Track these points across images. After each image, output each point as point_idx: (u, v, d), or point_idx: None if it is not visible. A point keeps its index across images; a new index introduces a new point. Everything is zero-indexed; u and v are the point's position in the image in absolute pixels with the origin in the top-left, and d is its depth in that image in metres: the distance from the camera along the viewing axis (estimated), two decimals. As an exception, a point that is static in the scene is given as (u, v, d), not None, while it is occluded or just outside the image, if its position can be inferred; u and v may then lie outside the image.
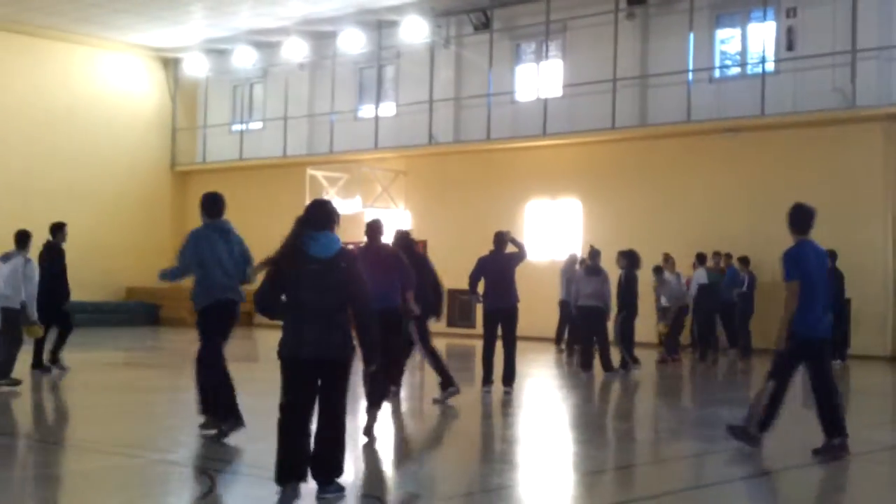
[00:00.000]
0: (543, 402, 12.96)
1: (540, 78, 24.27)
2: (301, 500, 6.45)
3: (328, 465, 6.56)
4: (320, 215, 6.82)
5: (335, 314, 6.53)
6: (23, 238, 12.75)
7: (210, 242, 8.94)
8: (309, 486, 6.53)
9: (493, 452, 9.01)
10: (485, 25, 24.66)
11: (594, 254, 15.61)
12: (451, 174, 25.25)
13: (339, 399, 6.57)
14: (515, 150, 24.18)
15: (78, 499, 6.85)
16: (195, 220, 31.23)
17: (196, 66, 29.67)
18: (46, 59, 27.47)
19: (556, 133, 23.26)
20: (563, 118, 23.28)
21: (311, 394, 6.53)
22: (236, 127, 29.82)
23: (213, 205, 9.48)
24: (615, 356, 15.59)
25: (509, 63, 24.79)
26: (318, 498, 6.48)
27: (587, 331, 15.41)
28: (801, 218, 8.71)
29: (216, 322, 8.92)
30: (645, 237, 20.48)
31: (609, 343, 15.44)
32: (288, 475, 6.48)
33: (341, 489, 6.56)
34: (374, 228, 10.26)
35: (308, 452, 6.53)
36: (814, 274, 8.51)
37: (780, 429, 8.78)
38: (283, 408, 6.55)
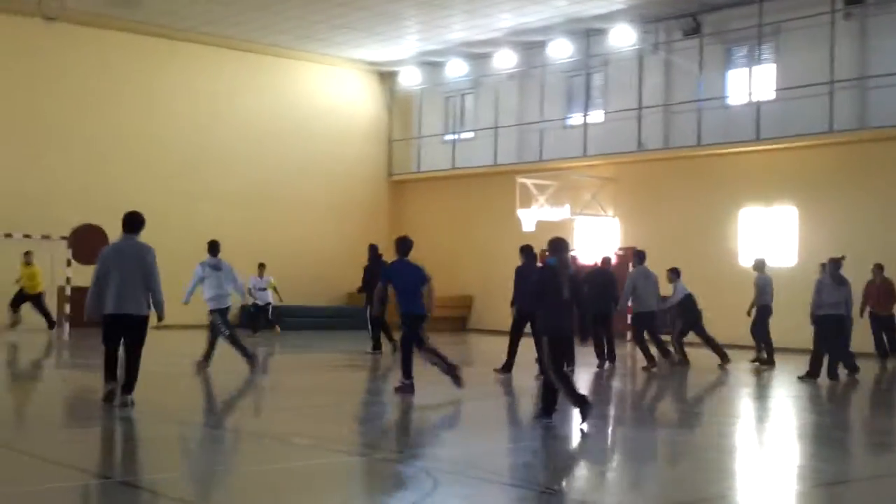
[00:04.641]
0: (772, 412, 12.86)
1: (752, 82, 23.84)
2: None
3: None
4: (567, 247, 10.56)
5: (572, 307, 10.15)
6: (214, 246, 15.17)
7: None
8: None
9: (707, 461, 9.07)
10: (694, 31, 24.46)
11: (837, 263, 15.49)
12: (660, 181, 25.15)
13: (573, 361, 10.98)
14: (727, 156, 23.84)
15: (303, 494, 7.32)
16: (411, 228, 32.49)
17: (410, 79, 30.81)
18: (273, 76, 29.25)
19: (770, 138, 22.80)
20: (777, 122, 22.80)
21: (563, 358, 10.29)
22: (448, 137, 30.71)
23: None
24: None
25: (720, 67, 24.47)
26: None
27: (831, 339, 15.32)
28: None
29: None
30: (864, 246, 19.83)
31: (846, 352, 15.45)
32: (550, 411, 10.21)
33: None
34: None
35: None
36: None
37: None
38: (556, 367, 10.10)
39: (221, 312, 14.97)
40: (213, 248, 15.20)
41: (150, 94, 27.13)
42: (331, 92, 30.54)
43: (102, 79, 26.38)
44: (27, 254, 23.06)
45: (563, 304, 10.10)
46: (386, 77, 31.49)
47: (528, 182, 25.93)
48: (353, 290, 30.23)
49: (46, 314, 23.12)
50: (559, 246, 10.35)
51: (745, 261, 22.88)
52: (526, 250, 15.42)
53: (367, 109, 31.36)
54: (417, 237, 30.35)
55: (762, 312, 18.23)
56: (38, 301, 23.07)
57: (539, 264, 15.29)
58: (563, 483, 7.96)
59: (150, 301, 10.76)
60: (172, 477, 7.65)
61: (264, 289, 24.46)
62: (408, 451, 8.91)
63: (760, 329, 18.26)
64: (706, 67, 24.26)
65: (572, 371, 15.69)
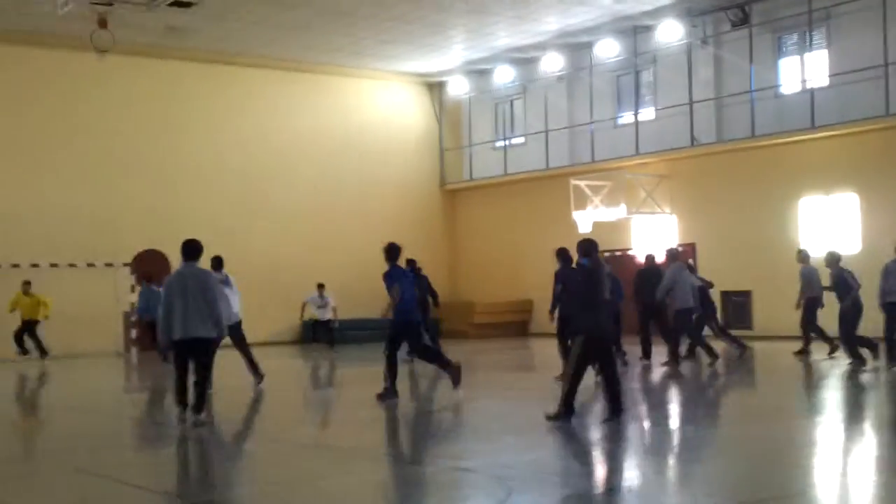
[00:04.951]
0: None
1: (805, 69, 23.54)
2: None
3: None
4: (597, 247, 10.72)
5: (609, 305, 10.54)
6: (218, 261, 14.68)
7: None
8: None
9: (786, 457, 8.94)
10: (743, 21, 24.21)
11: None
12: (715, 175, 24.91)
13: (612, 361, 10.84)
14: (783, 146, 23.55)
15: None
16: (466, 236, 32.58)
17: (459, 88, 30.89)
18: (325, 94, 29.52)
19: (825, 125, 22.47)
20: (832, 109, 22.46)
21: (598, 356, 10.51)
22: (499, 143, 30.72)
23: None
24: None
25: (771, 56, 24.19)
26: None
27: None
28: None
29: None
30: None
31: None
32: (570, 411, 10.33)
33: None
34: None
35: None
36: None
37: None
38: (578, 364, 10.35)
39: (231, 328, 14.32)
40: (218, 263, 14.72)
41: (208, 118, 27.56)
42: (381, 105, 30.74)
43: (162, 106, 26.83)
44: (26, 283, 22.92)
45: (600, 304, 10.29)
46: (434, 87, 31.60)
47: (582, 184, 25.83)
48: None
49: (38, 343, 22.93)
50: (589, 247, 10.61)
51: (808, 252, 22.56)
52: (562, 254, 15.19)
53: (417, 120, 31.51)
54: (473, 245, 30.90)
55: (811, 304, 17.95)
56: (33, 328, 22.86)
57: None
58: (631, 484, 7.92)
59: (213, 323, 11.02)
60: (246, 493, 7.74)
61: (323, 306, 24.59)
62: (477, 459, 8.92)
63: (810, 321, 17.98)
64: (757, 57, 23.99)
65: (625, 368, 15.82)
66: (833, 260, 16.62)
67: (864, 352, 16.02)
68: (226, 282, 14.61)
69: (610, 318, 10.58)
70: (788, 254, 22.82)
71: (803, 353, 18.11)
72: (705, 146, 24.94)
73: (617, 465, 8.73)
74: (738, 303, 23.96)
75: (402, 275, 13.14)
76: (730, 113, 24.81)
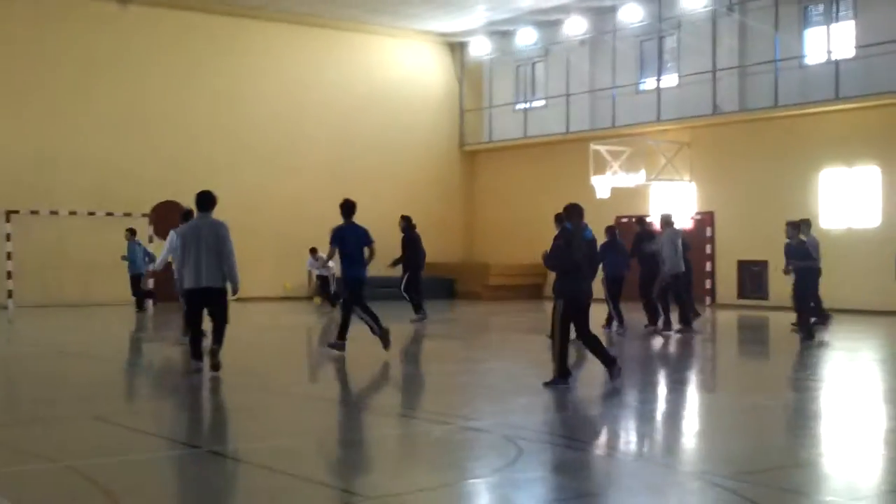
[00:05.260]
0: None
1: (830, 40, 23.31)
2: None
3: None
4: (583, 213, 10.69)
5: (589, 272, 10.58)
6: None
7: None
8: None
9: (797, 427, 8.98)
10: (770, -11, 23.96)
11: None
12: (737, 144, 24.78)
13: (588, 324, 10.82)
14: (806, 117, 23.37)
15: (388, 460, 7.52)
16: (483, 198, 32.60)
17: (480, 49, 30.74)
18: (347, 51, 29.45)
19: (849, 97, 22.29)
20: (857, 80, 22.26)
21: (575, 319, 10.51)
22: (520, 106, 30.59)
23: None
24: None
25: (796, 26, 23.94)
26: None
27: None
28: None
29: None
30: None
31: None
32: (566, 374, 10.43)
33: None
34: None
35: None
36: None
37: None
38: (562, 329, 10.38)
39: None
40: (188, 217, 13.38)
41: (230, 70, 27.54)
42: (402, 64, 30.62)
43: (184, 58, 26.85)
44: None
45: (579, 269, 10.42)
46: (456, 48, 31.44)
47: (602, 149, 25.74)
48: (429, 259, 30.47)
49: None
50: (572, 212, 10.68)
51: (827, 223, 22.49)
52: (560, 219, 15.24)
53: (438, 81, 31.39)
54: (491, 206, 30.87)
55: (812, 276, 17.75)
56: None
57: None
58: (650, 449, 7.99)
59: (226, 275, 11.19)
60: (259, 447, 7.85)
61: (321, 266, 24.40)
62: (489, 419, 9.00)
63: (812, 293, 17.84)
64: (782, 27, 23.76)
65: (623, 332, 15.90)
66: (797, 229, 16.35)
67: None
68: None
69: (589, 282, 10.65)
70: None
71: (819, 323, 18.01)
72: (727, 115, 24.79)
73: (624, 429, 8.79)
74: (755, 272, 23.93)
75: (347, 233, 13.12)
76: (753, 82, 24.62)
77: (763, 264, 23.87)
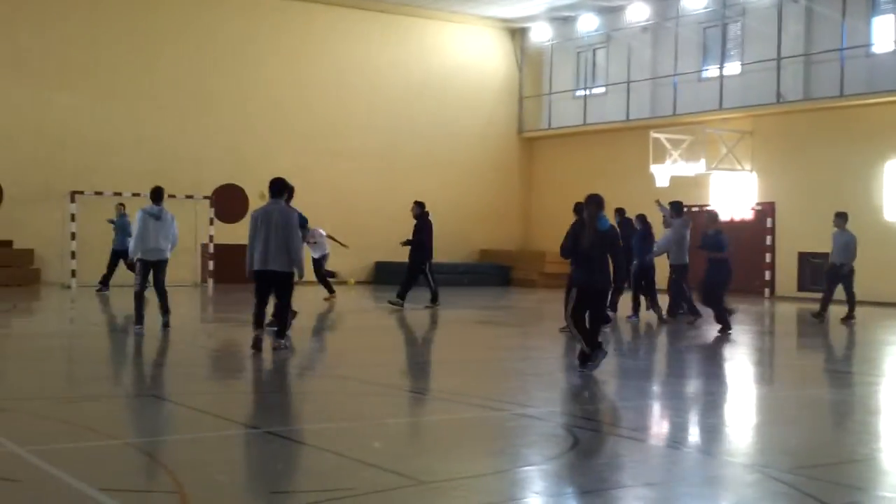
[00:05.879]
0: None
1: (900, 28, 22.83)
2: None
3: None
4: (601, 203, 10.69)
5: (604, 261, 10.51)
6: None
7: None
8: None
9: (852, 423, 8.88)
10: (838, -24, 23.52)
11: None
12: (800, 134, 24.39)
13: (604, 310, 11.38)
14: (872, 106, 22.93)
15: (442, 445, 7.53)
16: (541, 185, 32.52)
17: (541, 35, 30.60)
18: (407, 36, 29.51)
19: (918, 86, 21.83)
20: (927, 70, 21.79)
21: (588, 307, 10.57)
22: (580, 92, 30.40)
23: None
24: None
25: (864, 14, 23.48)
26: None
27: None
28: None
29: None
30: None
31: None
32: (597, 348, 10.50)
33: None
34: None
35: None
36: None
37: None
38: (575, 316, 10.57)
39: (145, 264, 13.91)
40: (157, 195, 14.17)
41: (288, 55, 27.77)
42: (462, 50, 30.60)
43: (243, 42, 27.15)
44: None
45: (592, 259, 10.50)
46: (516, 33, 31.33)
47: (662, 137, 25.50)
48: (487, 246, 30.56)
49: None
50: (589, 202, 10.73)
51: (892, 216, 22.08)
52: (619, 212, 17.08)
53: (497, 67, 31.31)
54: (548, 194, 30.73)
55: (847, 271, 17.49)
56: None
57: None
58: (692, 440, 7.94)
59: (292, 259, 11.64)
60: (315, 428, 7.93)
61: (315, 242, 20.82)
62: (543, 406, 9.00)
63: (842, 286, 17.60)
64: (849, 14, 23.30)
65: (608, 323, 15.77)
66: (712, 219, 16.02)
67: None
68: (157, 216, 13.96)
69: (605, 272, 10.61)
70: (871, 217, 22.34)
71: (848, 318, 17.66)
72: (791, 104, 24.41)
73: (680, 421, 8.74)
74: (816, 265, 23.55)
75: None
76: (818, 70, 24.21)
77: (824, 257, 23.46)
